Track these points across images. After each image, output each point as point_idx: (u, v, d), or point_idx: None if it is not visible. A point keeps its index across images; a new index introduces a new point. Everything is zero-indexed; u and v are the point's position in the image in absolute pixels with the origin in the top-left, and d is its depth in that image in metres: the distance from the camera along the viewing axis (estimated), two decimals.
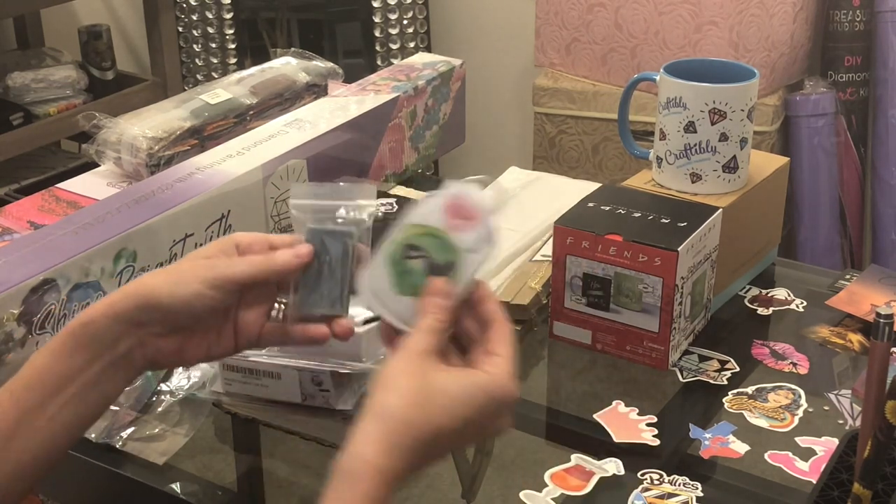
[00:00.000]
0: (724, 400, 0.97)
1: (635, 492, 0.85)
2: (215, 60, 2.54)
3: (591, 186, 1.21)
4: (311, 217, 0.75)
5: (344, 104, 1.28)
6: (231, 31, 2.52)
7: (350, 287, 0.73)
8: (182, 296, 0.69)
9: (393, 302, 0.70)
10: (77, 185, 1.18)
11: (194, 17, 2.50)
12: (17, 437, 0.68)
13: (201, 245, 1.06)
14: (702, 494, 0.85)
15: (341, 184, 0.76)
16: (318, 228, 0.74)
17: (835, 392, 0.98)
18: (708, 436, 0.92)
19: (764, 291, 1.14)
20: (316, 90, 1.36)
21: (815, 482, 0.79)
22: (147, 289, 0.70)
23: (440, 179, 1.59)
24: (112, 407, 0.92)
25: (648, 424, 0.94)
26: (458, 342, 0.70)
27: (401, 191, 1.37)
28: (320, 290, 0.73)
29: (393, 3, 2.47)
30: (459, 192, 0.71)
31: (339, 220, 0.74)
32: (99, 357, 0.69)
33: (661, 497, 0.85)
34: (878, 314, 0.68)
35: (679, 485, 0.86)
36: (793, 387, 0.99)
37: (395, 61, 2.46)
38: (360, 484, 0.60)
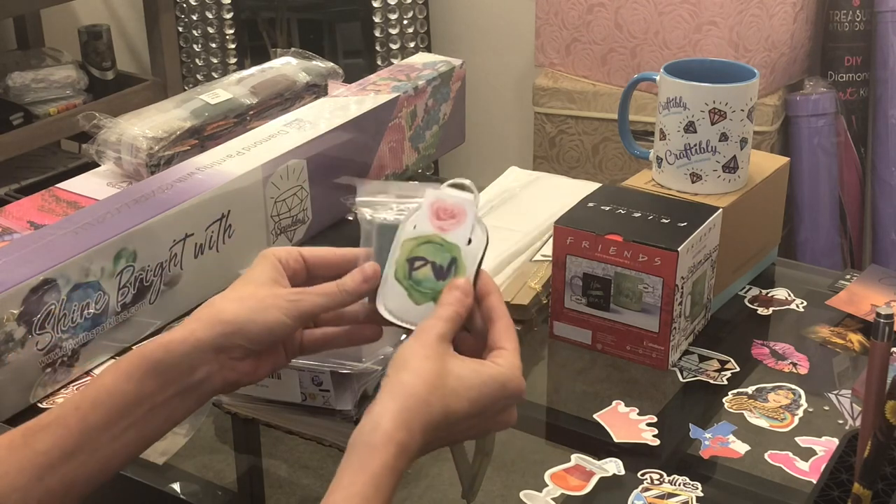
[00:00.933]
0: (724, 400, 0.97)
1: (635, 492, 0.85)
2: (215, 60, 2.54)
3: (591, 186, 1.21)
4: (380, 213, 0.78)
5: (344, 104, 1.28)
6: (231, 31, 2.52)
7: None
8: (265, 323, 0.72)
9: (415, 313, 0.74)
10: (77, 185, 1.18)
11: (194, 17, 2.50)
12: (79, 453, 0.69)
13: (201, 245, 1.06)
14: (702, 494, 0.85)
15: (400, 183, 0.80)
16: (389, 224, 0.77)
17: (835, 392, 0.98)
18: (708, 436, 0.92)
19: (764, 291, 1.14)
20: (316, 90, 1.37)
21: (815, 482, 0.79)
22: (230, 316, 0.72)
23: (440, 179, 1.59)
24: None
25: (648, 424, 0.94)
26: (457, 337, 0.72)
27: None
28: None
29: (393, 3, 2.47)
30: (439, 196, 0.76)
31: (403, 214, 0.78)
32: (174, 383, 0.71)
33: (661, 497, 0.85)
34: (878, 314, 0.67)
35: (679, 485, 0.86)
36: (793, 387, 0.99)
37: (395, 61, 2.46)
38: (380, 454, 0.63)
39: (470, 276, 0.74)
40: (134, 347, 0.74)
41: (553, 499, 0.85)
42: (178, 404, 0.72)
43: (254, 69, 1.36)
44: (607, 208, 1.03)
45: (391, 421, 0.64)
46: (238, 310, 0.72)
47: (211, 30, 2.51)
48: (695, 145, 1.06)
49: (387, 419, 0.64)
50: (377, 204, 0.79)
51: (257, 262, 0.76)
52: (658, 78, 1.09)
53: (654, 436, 0.92)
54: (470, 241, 0.75)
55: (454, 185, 0.77)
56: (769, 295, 1.14)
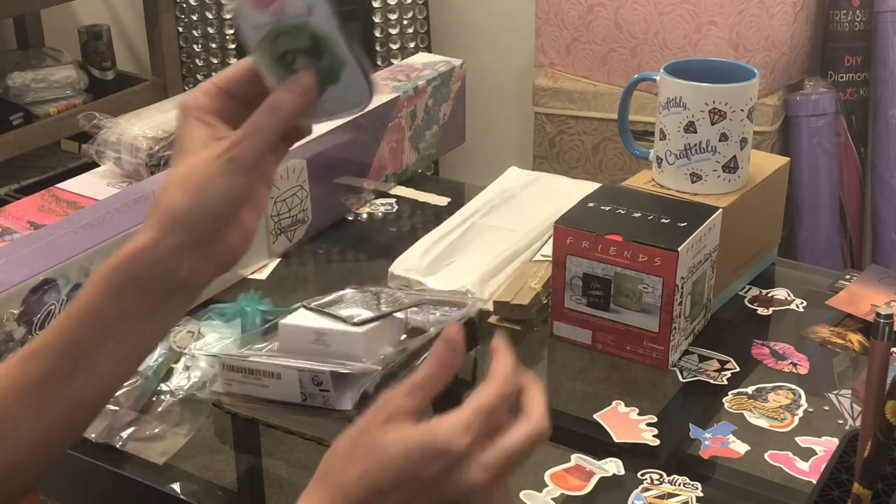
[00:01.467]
0: (724, 400, 0.97)
1: (635, 492, 0.85)
2: (215, 60, 2.54)
3: (591, 186, 1.21)
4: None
5: None
6: (231, 31, 2.52)
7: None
8: (219, 196, 0.67)
9: (327, 102, 0.68)
10: (77, 185, 1.18)
11: (194, 17, 2.50)
12: (77, 373, 0.67)
13: None
14: (702, 494, 0.85)
15: None
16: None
17: (835, 392, 0.98)
18: (708, 436, 0.92)
19: (764, 291, 1.14)
20: None
21: (815, 482, 0.79)
22: (183, 209, 0.67)
23: (440, 179, 1.59)
24: (112, 407, 0.92)
25: (648, 424, 0.94)
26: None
27: (401, 191, 1.37)
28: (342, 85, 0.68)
29: (393, 3, 2.47)
30: None
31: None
32: (156, 290, 0.67)
33: (661, 497, 0.85)
34: (878, 314, 0.67)
35: (679, 485, 0.86)
36: (793, 387, 0.99)
37: (395, 61, 2.46)
38: None
39: (338, 39, 0.65)
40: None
41: (553, 499, 0.85)
42: (170, 307, 0.68)
43: None
44: (607, 208, 1.03)
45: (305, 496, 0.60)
46: (187, 199, 0.67)
47: (211, 30, 2.51)
48: (695, 145, 1.06)
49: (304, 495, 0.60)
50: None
51: (180, 125, 0.70)
52: (658, 78, 1.09)
53: (654, 436, 0.92)
54: (310, 8, 0.65)
55: None
56: (769, 295, 1.14)
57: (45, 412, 0.67)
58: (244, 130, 0.68)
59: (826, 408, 0.96)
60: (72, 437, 0.70)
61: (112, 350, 0.67)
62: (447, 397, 0.67)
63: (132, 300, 0.67)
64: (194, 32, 2.52)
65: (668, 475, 0.87)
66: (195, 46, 2.53)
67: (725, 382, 0.99)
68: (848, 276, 1.15)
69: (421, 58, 1.45)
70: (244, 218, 0.70)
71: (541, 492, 0.86)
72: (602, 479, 0.87)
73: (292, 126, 0.70)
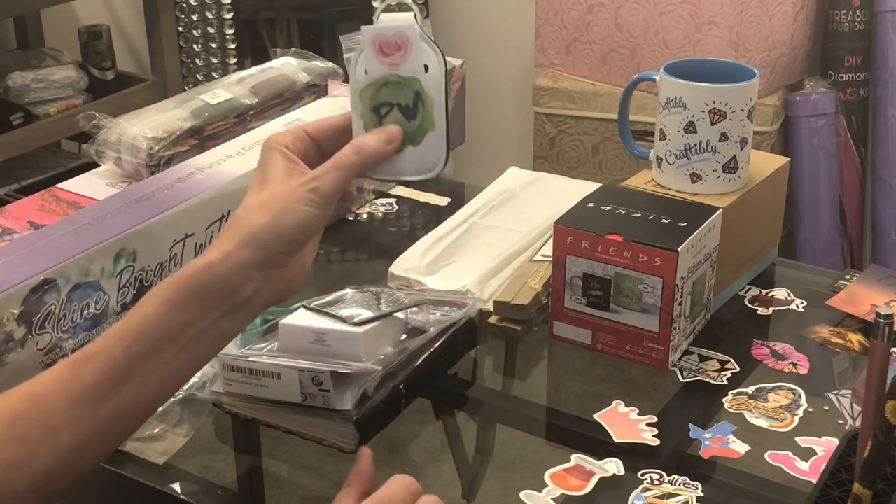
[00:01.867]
0: (724, 400, 0.97)
1: (635, 492, 0.85)
2: (215, 60, 2.54)
3: (591, 186, 1.21)
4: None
5: (344, 104, 1.28)
6: (231, 31, 2.52)
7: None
8: (297, 223, 0.70)
9: (399, 163, 0.70)
10: (77, 185, 1.18)
11: (194, 17, 2.50)
12: (128, 382, 0.67)
13: (201, 245, 1.06)
14: (702, 494, 0.85)
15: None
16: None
17: (835, 392, 0.98)
18: (708, 436, 0.92)
19: (764, 291, 1.14)
20: (316, 90, 1.36)
21: (815, 482, 0.79)
22: (260, 228, 0.70)
23: (440, 179, 1.59)
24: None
25: (648, 424, 0.94)
26: None
27: (401, 191, 1.37)
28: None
29: (393, 3, 2.47)
30: (376, 31, 0.70)
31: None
32: (219, 305, 0.69)
33: (661, 497, 0.85)
34: (878, 314, 0.67)
35: (679, 485, 0.86)
36: (793, 387, 0.99)
37: None
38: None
39: (440, 104, 0.68)
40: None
41: (553, 499, 0.85)
42: (229, 324, 0.70)
43: (254, 69, 1.36)
44: (607, 208, 1.03)
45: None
46: (267, 219, 0.70)
47: (211, 30, 2.51)
48: (695, 145, 1.06)
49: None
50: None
51: (264, 157, 0.74)
52: (658, 78, 1.09)
53: (654, 436, 0.92)
54: (427, 68, 0.69)
55: (391, 9, 0.71)
56: (769, 295, 1.14)
57: (91, 420, 0.67)
58: (329, 165, 0.71)
59: (826, 408, 0.96)
60: (111, 448, 0.70)
61: (166, 361, 0.68)
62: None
63: (195, 311, 0.69)
64: (194, 32, 2.52)
65: (668, 475, 0.87)
66: (195, 46, 2.53)
67: (725, 382, 0.99)
68: (848, 276, 1.15)
69: None
70: (305, 253, 0.73)
71: (541, 492, 0.85)
72: (602, 479, 0.87)
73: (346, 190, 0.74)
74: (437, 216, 1.28)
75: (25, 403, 0.66)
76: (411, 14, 0.70)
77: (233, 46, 2.53)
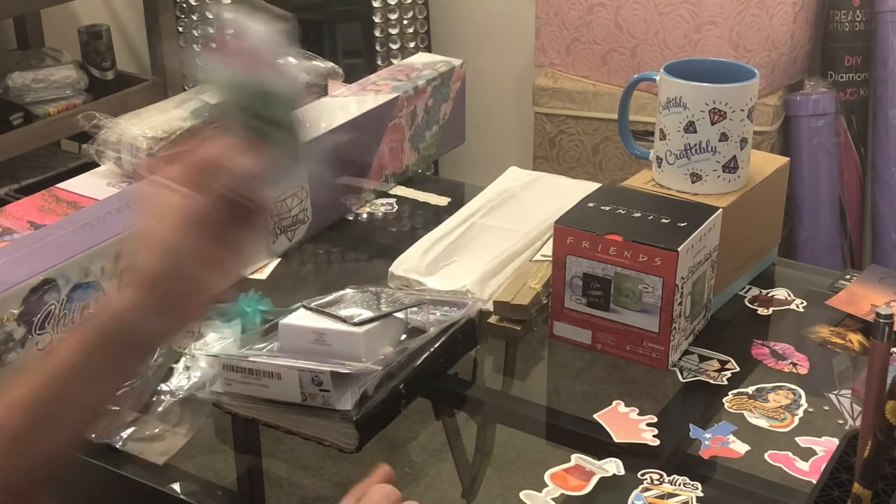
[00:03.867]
0: (724, 400, 0.97)
1: (635, 492, 0.85)
2: None
3: (591, 186, 1.21)
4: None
5: (344, 104, 1.28)
6: (230, 32, 2.52)
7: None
8: (185, 251, 0.69)
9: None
10: (77, 185, 1.18)
11: (194, 17, 2.50)
12: (44, 425, 0.67)
13: None
14: (702, 494, 0.85)
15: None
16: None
17: (835, 392, 0.98)
18: (708, 436, 0.92)
19: (764, 291, 1.14)
20: (316, 90, 1.36)
21: (815, 482, 0.79)
22: (163, 271, 0.69)
23: (440, 179, 1.59)
24: (112, 407, 0.92)
25: (648, 424, 0.94)
26: None
27: (401, 191, 1.37)
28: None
29: (393, 3, 2.47)
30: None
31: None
32: (134, 347, 0.69)
33: (661, 497, 0.85)
34: (878, 314, 0.67)
35: (679, 485, 0.86)
36: (793, 387, 0.99)
37: (395, 61, 2.46)
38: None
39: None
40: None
41: (553, 499, 0.85)
42: (147, 353, 0.72)
43: None
44: (607, 208, 1.03)
45: None
46: (165, 260, 0.69)
47: (211, 30, 2.51)
48: (695, 145, 1.06)
49: None
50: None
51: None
52: (658, 78, 1.09)
53: (654, 436, 0.92)
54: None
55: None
56: (769, 295, 1.14)
57: (14, 467, 0.67)
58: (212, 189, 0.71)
59: (826, 408, 0.96)
60: (41, 482, 0.70)
61: (76, 400, 0.68)
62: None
63: (107, 356, 0.68)
64: (194, 32, 2.52)
65: (668, 475, 0.87)
66: (195, 46, 2.53)
67: (725, 382, 0.99)
68: (848, 276, 1.15)
69: (421, 58, 1.45)
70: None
71: (541, 492, 0.86)
72: (602, 479, 0.87)
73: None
74: (437, 216, 1.28)
75: None
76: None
77: None
